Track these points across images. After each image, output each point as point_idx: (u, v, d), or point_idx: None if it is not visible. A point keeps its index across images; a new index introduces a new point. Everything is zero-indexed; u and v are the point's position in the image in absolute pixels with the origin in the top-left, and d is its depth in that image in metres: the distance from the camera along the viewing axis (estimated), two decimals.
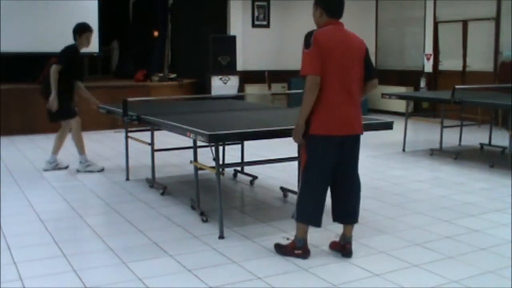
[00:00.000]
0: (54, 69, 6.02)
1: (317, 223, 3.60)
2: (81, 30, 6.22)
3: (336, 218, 3.73)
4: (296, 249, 3.63)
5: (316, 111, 3.45)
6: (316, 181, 3.55)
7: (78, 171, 6.34)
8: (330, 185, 3.63)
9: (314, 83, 3.38)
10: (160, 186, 5.39)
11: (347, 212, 3.69)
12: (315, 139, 3.49)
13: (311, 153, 3.55)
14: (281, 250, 3.72)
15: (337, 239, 3.78)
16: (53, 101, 6.06)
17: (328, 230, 3.98)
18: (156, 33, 11.97)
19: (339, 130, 3.49)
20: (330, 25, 3.52)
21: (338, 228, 3.81)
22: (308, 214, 3.60)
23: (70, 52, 6.18)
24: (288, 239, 3.82)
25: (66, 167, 6.47)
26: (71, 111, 6.32)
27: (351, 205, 3.69)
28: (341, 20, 3.59)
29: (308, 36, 3.44)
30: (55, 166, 6.41)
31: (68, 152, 6.78)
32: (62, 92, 6.12)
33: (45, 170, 6.37)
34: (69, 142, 6.52)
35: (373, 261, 3.58)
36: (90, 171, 6.30)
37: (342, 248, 3.68)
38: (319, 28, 3.54)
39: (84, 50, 6.39)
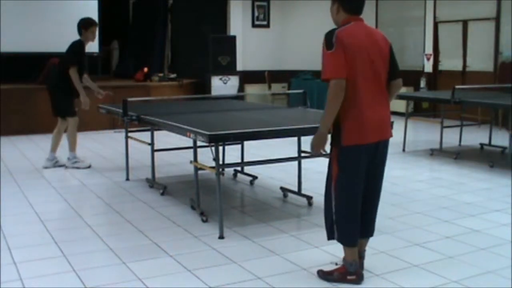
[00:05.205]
0: (72, 72, 6.16)
1: (356, 243, 3.27)
2: (87, 24, 6.33)
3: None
4: (349, 275, 3.25)
5: (348, 117, 3.11)
6: (355, 196, 3.21)
7: (66, 167, 6.50)
8: None
9: (339, 88, 3.03)
10: (160, 186, 5.39)
11: (370, 224, 3.39)
12: (349, 149, 3.15)
13: (346, 166, 3.18)
14: (329, 276, 3.31)
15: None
16: (84, 100, 6.29)
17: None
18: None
19: (374, 136, 3.19)
20: (351, 23, 3.17)
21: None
22: (350, 235, 3.25)
23: (78, 48, 6.30)
24: (336, 264, 3.40)
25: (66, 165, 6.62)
26: (73, 110, 6.47)
27: (374, 216, 3.41)
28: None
29: (329, 35, 3.09)
30: (55, 163, 6.54)
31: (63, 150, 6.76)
32: (69, 89, 6.27)
33: (45, 167, 6.50)
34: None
35: (373, 261, 3.57)
36: (77, 168, 6.45)
37: None
38: (338, 26, 3.20)
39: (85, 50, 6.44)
